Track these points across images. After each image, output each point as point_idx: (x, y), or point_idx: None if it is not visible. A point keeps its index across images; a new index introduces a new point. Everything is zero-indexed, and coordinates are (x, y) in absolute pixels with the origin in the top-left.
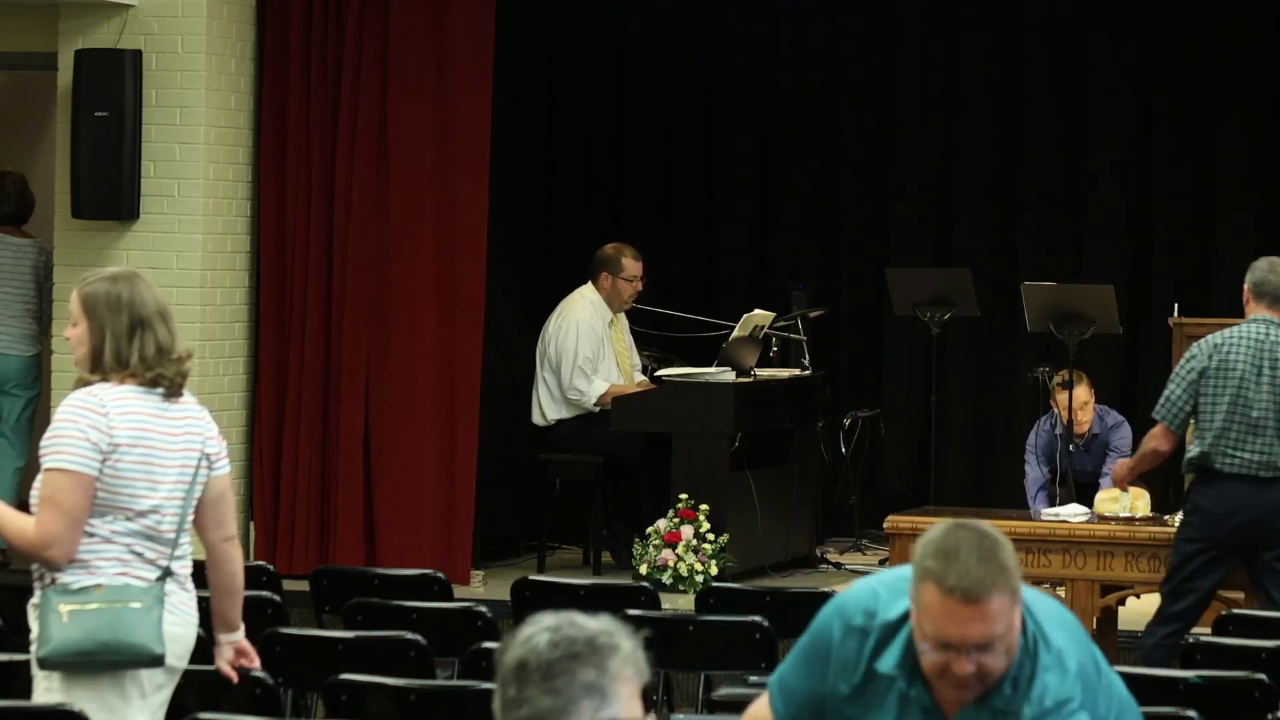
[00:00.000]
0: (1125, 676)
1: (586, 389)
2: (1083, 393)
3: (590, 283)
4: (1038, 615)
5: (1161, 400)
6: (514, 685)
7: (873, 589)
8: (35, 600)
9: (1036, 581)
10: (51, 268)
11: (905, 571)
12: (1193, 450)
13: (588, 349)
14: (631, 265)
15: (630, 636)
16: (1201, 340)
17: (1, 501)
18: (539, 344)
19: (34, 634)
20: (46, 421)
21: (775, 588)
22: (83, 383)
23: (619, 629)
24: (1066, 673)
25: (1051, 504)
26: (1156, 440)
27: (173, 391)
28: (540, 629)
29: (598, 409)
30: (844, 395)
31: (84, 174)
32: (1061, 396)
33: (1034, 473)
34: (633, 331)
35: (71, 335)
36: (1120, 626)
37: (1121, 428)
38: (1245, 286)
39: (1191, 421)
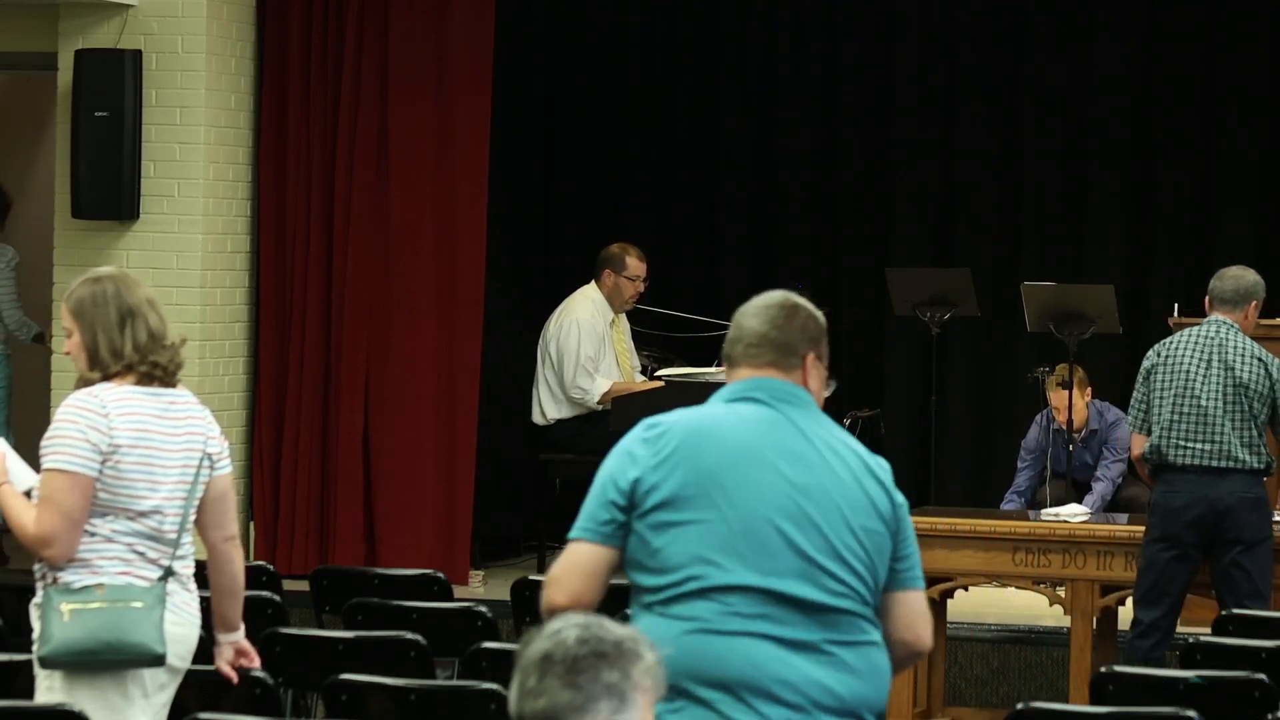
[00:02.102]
0: (1125, 677)
1: (590, 387)
2: (1075, 393)
3: (593, 282)
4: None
5: (1129, 408)
6: (535, 675)
7: None
8: (37, 599)
9: (1037, 581)
10: (16, 267)
11: None
12: (1147, 445)
13: (589, 348)
14: (635, 265)
15: (652, 649)
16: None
17: (16, 489)
18: (540, 342)
19: (36, 633)
20: (45, 423)
21: None
22: (84, 381)
23: (642, 640)
24: None
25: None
26: (1134, 446)
27: (169, 380)
28: (569, 625)
29: (600, 407)
30: (844, 395)
31: (84, 174)
32: (1055, 395)
33: (1018, 478)
34: (633, 331)
35: (70, 347)
36: (1120, 626)
37: (1120, 425)
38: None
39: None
